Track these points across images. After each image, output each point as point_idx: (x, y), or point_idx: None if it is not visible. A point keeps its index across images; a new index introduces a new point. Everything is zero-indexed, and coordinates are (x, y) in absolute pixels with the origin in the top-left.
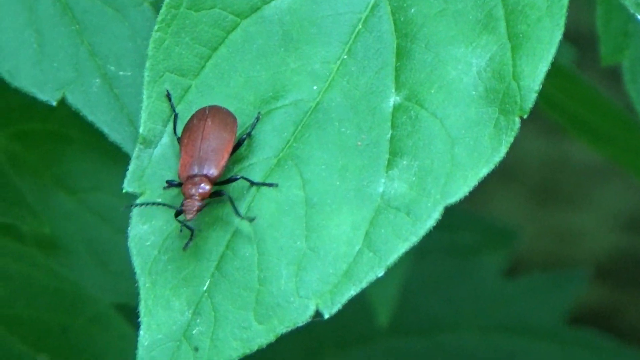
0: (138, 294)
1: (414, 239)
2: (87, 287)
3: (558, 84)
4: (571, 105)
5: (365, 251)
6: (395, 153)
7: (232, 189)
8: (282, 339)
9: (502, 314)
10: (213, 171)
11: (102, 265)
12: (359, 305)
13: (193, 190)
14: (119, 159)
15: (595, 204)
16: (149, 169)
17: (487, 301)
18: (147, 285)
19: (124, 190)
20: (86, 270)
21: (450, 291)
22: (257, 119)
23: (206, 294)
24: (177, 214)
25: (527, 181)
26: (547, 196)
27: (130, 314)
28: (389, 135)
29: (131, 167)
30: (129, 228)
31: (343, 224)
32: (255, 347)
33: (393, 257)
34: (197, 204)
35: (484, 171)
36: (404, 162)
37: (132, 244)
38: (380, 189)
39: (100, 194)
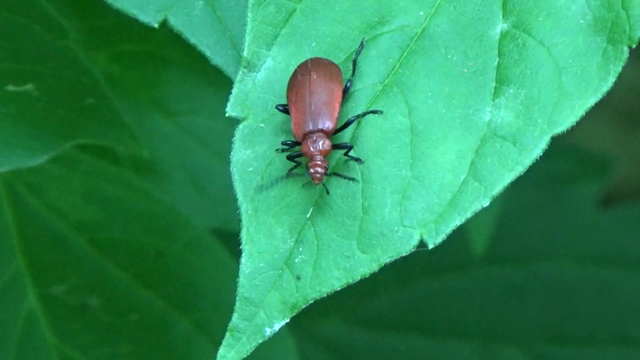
0: (237, 220)
1: (520, 169)
2: (184, 211)
3: None
4: None
5: (471, 180)
6: (501, 81)
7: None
8: None
9: (597, 245)
10: (329, 124)
11: (199, 189)
12: (454, 232)
13: (314, 149)
14: (218, 82)
15: None
16: (253, 93)
17: (582, 231)
18: (249, 212)
19: (226, 115)
20: (183, 195)
21: (545, 221)
22: (362, 45)
23: (309, 221)
24: (292, 158)
25: (616, 106)
26: (635, 121)
27: (227, 240)
28: (495, 63)
29: (234, 90)
30: (231, 153)
31: (448, 152)
32: (358, 277)
33: (499, 187)
34: (321, 169)
35: (592, 101)
36: (511, 91)
37: (234, 169)
38: (487, 118)
39: (198, 117)
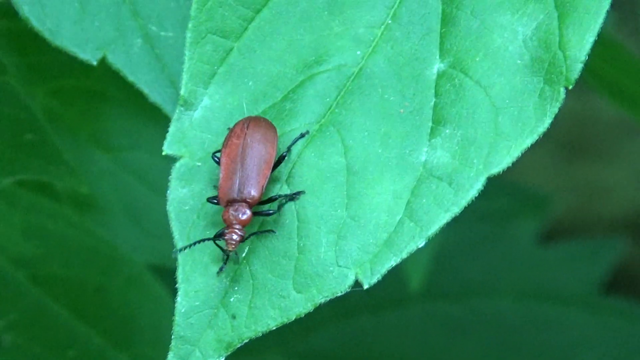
0: (175, 257)
1: (455, 210)
2: (123, 247)
3: (596, 50)
4: (609, 70)
5: (407, 221)
6: (438, 121)
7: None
8: None
9: (536, 281)
10: (254, 195)
11: (137, 225)
12: (392, 268)
13: (233, 218)
14: (157, 118)
15: (624, 159)
16: (190, 131)
17: (521, 267)
18: (185, 250)
19: (164, 153)
20: (122, 230)
21: (485, 257)
22: (301, 136)
23: (245, 260)
24: (217, 236)
25: (555, 137)
26: (576, 152)
27: (165, 276)
28: (432, 103)
29: (171, 129)
30: (168, 191)
31: (385, 192)
32: (293, 316)
33: (434, 228)
34: (236, 237)
35: (528, 142)
36: (447, 131)
37: (170, 207)
38: (423, 158)
39: (138, 153)
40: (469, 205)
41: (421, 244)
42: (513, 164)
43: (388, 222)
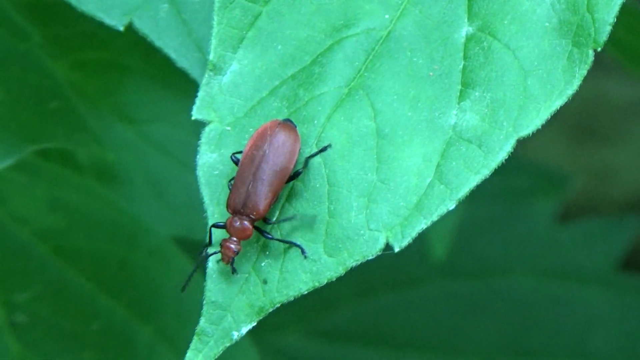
0: (198, 228)
1: (485, 172)
2: (146, 219)
3: (619, 18)
4: (630, 39)
5: (437, 183)
6: (467, 84)
7: (302, 117)
8: (336, 279)
9: (554, 259)
10: (259, 211)
11: (160, 197)
12: (412, 245)
13: (233, 231)
14: (180, 90)
15: (634, 141)
16: (219, 96)
17: (539, 246)
18: (215, 215)
19: (192, 118)
20: (144, 202)
21: (503, 235)
22: (323, 149)
23: (275, 225)
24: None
25: (566, 119)
26: (586, 134)
27: (189, 248)
28: (461, 66)
29: (200, 93)
30: (197, 156)
31: (414, 155)
32: (324, 280)
33: (464, 190)
34: (230, 252)
35: (557, 104)
36: (476, 94)
37: (200, 172)
38: (452, 121)
39: (160, 125)
40: (488, 181)
41: (451, 206)
42: (527, 145)
43: (418, 185)
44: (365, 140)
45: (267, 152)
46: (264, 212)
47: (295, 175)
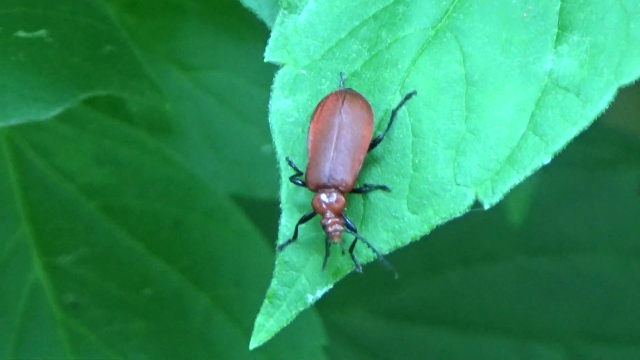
0: (258, 184)
1: (584, 123)
2: (203, 176)
3: None
4: None
5: (531, 135)
6: (564, 27)
7: (385, 61)
8: (403, 255)
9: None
10: (347, 182)
11: (218, 151)
12: (486, 217)
13: (327, 207)
14: (240, 36)
15: None
16: (294, 36)
17: (623, 221)
18: (288, 168)
19: (265, 60)
20: (201, 157)
21: (584, 209)
22: (408, 97)
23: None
24: (304, 220)
25: None
26: None
27: (249, 207)
28: (558, 7)
29: (273, 34)
30: (270, 102)
31: (506, 104)
32: (408, 240)
33: (561, 143)
34: (339, 227)
35: None
36: (574, 38)
37: (272, 119)
38: (548, 67)
39: (219, 73)
40: (566, 151)
41: (547, 160)
42: (610, 108)
43: (510, 137)
44: (453, 86)
45: (344, 120)
46: (353, 183)
47: (376, 142)
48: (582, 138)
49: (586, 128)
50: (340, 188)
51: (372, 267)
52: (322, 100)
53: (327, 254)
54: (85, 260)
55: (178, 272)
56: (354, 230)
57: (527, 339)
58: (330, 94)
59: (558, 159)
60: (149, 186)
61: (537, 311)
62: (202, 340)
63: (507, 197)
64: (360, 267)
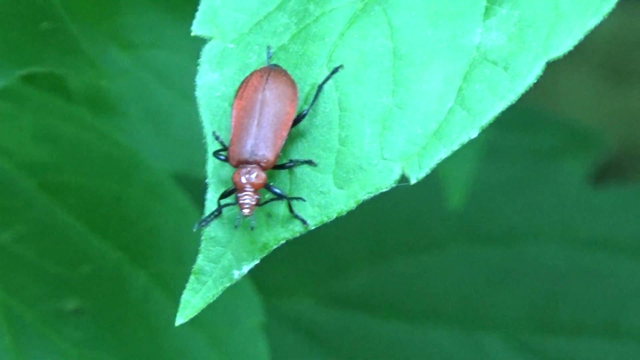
0: (199, 163)
1: (512, 97)
2: (142, 153)
3: None
4: None
5: (458, 109)
6: (493, 0)
7: (312, 34)
8: (350, 242)
9: (586, 226)
10: (269, 157)
11: (158, 129)
12: (432, 205)
13: (246, 182)
14: (181, 12)
15: None
16: (222, 9)
17: (570, 211)
18: (215, 143)
19: (192, 33)
20: (141, 135)
21: (530, 198)
22: (334, 71)
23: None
24: (224, 196)
25: (597, 60)
26: (619, 76)
27: (189, 185)
28: None
29: (201, 7)
30: (197, 76)
31: (434, 78)
32: (334, 214)
33: (488, 117)
34: (251, 200)
35: (592, 23)
36: (503, 11)
37: (199, 93)
38: (476, 40)
39: (160, 51)
40: (512, 141)
41: (474, 134)
42: (549, 89)
43: (438, 111)
44: (380, 60)
45: (267, 95)
46: (274, 159)
47: (302, 117)
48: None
49: (514, 102)
50: (262, 164)
51: (318, 254)
52: (246, 77)
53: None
54: (23, 237)
55: (117, 249)
56: (283, 196)
57: (474, 327)
58: (255, 71)
59: (505, 148)
60: (88, 163)
61: (484, 300)
62: (141, 317)
63: (452, 184)
64: (309, 222)
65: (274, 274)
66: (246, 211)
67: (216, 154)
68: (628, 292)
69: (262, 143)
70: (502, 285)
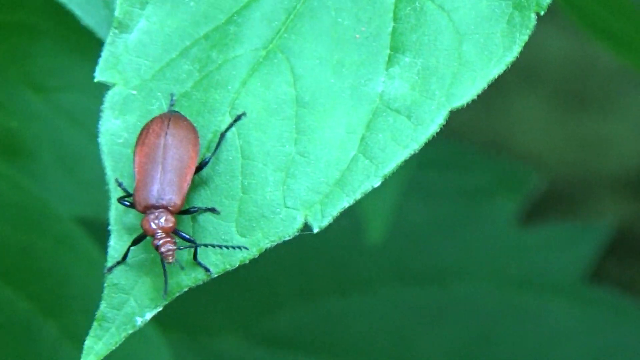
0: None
1: (415, 146)
2: (53, 200)
3: None
4: (592, 6)
5: (361, 158)
6: (397, 48)
7: (215, 82)
8: (279, 281)
9: (517, 265)
10: (175, 201)
11: (69, 172)
12: (360, 248)
13: (156, 227)
14: (94, 55)
15: (624, 111)
16: (125, 56)
17: (500, 250)
18: (118, 189)
19: (95, 80)
20: (52, 179)
21: (461, 238)
22: (237, 119)
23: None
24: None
25: (550, 85)
26: (572, 102)
27: (99, 231)
28: (390, 29)
29: (104, 53)
30: (100, 122)
31: (337, 126)
32: (236, 263)
33: (391, 166)
34: (171, 246)
35: (495, 72)
36: (407, 59)
37: (102, 140)
38: (380, 89)
39: (71, 94)
40: (443, 180)
41: (377, 183)
42: (501, 114)
43: (340, 159)
44: (283, 108)
45: (170, 140)
46: (182, 203)
47: (204, 164)
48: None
49: (418, 149)
50: (170, 208)
51: (247, 292)
52: (147, 123)
53: (165, 275)
54: None
55: (26, 299)
56: (192, 242)
57: None
58: (155, 117)
59: (436, 188)
60: None
61: (412, 340)
62: None
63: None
64: (212, 270)
65: (202, 312)
66: (170, 259)
67: (121, 200)
68: (558, 330)
69: (168, 187)
70: (431, 325)
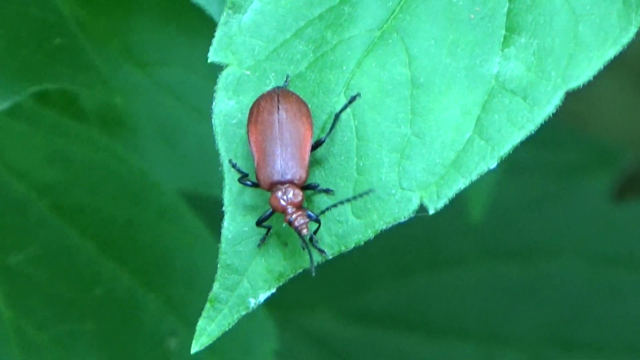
0: (211, 182)
1: (531, 127)
2: (155, 174)
3: None
4: None
5: (477, 139)
6: (512, 29)
7: (329, 62)
8: (372, 258)
9: (609, 243)
10: (301, 175)
11: (172, 148)
12: (454, 221)
13: (286, 203)
14: (194, 31)
15: None
16: (238, 37)
17: (592, 227)
18: (231, 170)
19: (209, 60)
20: (154, 154)
21: (552, 215)
22: (352, 99)
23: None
24: (263, 221)
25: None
26: None
27: (201, 205)
28: (505, 9)
29: (218, 34)
30: (213, 103)
31: (452, 107)
32: (351, 244)
33: (507, 147)
34: (303, 220)
35: (611, 53)
36: (522, 40)
37: (216, 121)
38: (495, 69)
39: (173, 69)
40: (535, 158)
41: (493, 165)
42: (581, 97)
43: (456, 140)
44: (398, 89)
45: (283, 116)
46: (306, 175)
47: (318, 144)
48: (553, 144)
49: (534, 130)
50: (295, 182)
51: (339, 269)
52: (255, 102)
53: (308, 249)
54: (36, 259)
55: (129, 272)
56: (317, 221)
57: (494, 344)
58: (263, 94)
59: (527, 165)
60: (101, 184)
61: (504, 316)
62: (153, 341)
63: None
64: (327, 252)
65: (294, 288)
66: (305, 231)
67: (241, 180)
68: None
69: (291, 162)
70: (523, 302)
